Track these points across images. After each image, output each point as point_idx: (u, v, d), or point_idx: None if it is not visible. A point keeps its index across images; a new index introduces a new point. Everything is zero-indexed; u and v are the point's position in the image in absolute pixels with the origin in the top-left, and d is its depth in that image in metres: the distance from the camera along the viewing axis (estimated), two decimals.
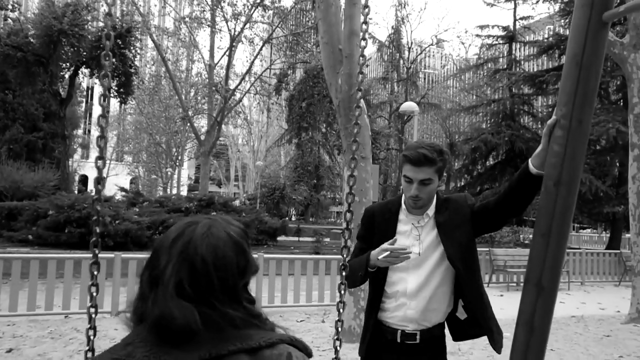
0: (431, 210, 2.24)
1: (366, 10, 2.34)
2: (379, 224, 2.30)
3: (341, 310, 2.02)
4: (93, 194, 1.58)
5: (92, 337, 1.58)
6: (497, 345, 2.22)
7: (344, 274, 2.06)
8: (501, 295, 10.82)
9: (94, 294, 1.64)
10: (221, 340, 0.98)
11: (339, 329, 2.01)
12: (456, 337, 2.31)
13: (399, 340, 2.19)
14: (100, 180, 1.56)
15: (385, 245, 2.05)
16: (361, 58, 2.20)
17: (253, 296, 1.11)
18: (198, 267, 1.01)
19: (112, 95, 22.61)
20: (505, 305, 9.20)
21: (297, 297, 8.69)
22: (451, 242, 2.16)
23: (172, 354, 0.96)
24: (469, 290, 2.19)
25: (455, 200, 2.27)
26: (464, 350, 6.07)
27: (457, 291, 2.24)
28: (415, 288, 2.18)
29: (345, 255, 2.07)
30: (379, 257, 2.03)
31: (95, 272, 1.63)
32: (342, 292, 2.06)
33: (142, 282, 1.06)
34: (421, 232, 2.22)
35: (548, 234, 1.72)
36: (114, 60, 20.13)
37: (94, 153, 51.31)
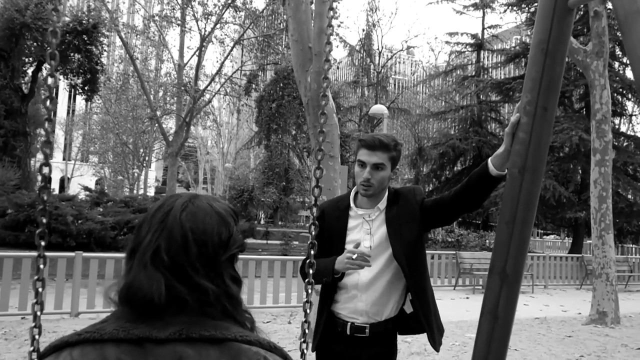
0: (382, 204, 2.24)
1: (331, 13, 2.30)
2: (329, 221, 2.29)
3: (308, 311, 1.95)
4: (42, 184, 1.46)
5: (36, 337, 1.46)
6: (436, 343, 2.23)
7: (310, 271, 2.01)
8: (467, 298, 10.94)
9: (40, 289, 1.52)
10: (195, 324, 0.94)
11: (306, 330, 1.93)
12: (400, 331, 2.29)
13: (348, 332, 2.18)
14: (47, 164, 1.44)
15: (351, 249, 2.05)
16: (326, 63, 2.16)
17: (240, 276, 1.05)
18: (176, 234, 0.98)
19: (78, 92, 22.09)
20: (470, 308, 9.30)
21: (264, 299, 8.59)
22: (397, 239, 2.16)
23: (141, 329, 0.93)
24: (413, 286, 2.19)
25: (405, 195, 2.27)
26: (430, 350, 6.08)
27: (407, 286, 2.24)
28: (366, 281, 2.17)
29: (313, 252, 2.02)
30: (346, 260, 2.03)
31: (41, 266, 1.51)
32: (310, 291, 2.01)
33: (125, 257, 1.04)
34: (372, 226, 2.22)
35: (512, 222, 1.71)
36: (78, 56, 19.80)
37: (57, 153, 50.10)
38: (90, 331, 0.95)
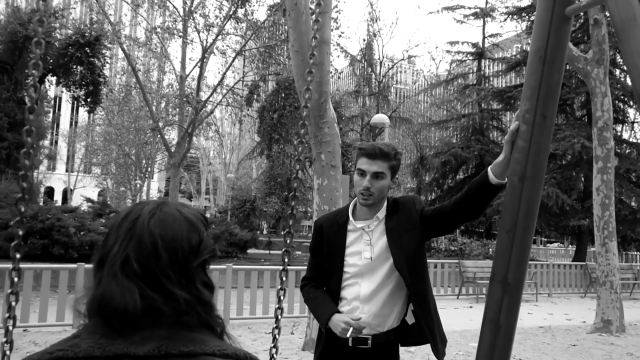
0: (381, 214, 2.24)
1: (316, 26, 2.34)
2: (327, 237, 2.28)
3: (279, 317, 1.96)
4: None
5: (7, 352, 1.42)
6: (439, 353, 2.21)
7: (283, 278, 2.04)
8: (470, 307, 10.88)
9: (13, 303, 1.48)
10: (172, 339, 0.91)
11: (277, 336, 1.96)
12: (402, 342, 2.28)
13: (350, 344, 2.17)
14: (25, 177, 1.42)
15: (349, 321, 2.06)
16: (309, 75, 2.17)
17: (212, 281, 1.03)
18: (145, 241, 0.96)
19: (80, 104, 22.18)
20: (474, 317, 9.25)
21: (267, 309, 8.56)
22: (398, 249, 2.15)
23: (118, 345, 0.89)
24: (415, 296, 2.18)
25: (404, 204, 2.26)
26: None
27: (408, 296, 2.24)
28: (368, 293, 2.17)
29: (289, 249, 2.03)
30: (340, 329, 2.06)
31: (16, 279, 1.48)
32: (281, 297, 2.04)
33: (93, 268, 1.01)
34: (372, 237, 2.21)
35: (513, 230, 1.70)
36: (81, 68, 19.90)
37: (60, 164, 50.24)
38: (63, 349, 0.91)
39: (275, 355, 1.82)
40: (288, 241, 1.94)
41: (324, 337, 2.24)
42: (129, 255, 0.95)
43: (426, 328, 2.17)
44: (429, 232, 2.21)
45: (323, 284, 2.33)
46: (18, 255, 1.40)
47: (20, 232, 1.39)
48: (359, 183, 2.16)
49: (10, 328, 1.43)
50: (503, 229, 1.76)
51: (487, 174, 1.94)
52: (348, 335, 2.02)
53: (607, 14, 11.18)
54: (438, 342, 2.20)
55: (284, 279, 1.96)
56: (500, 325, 1.72)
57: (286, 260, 1.89)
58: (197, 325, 0.95)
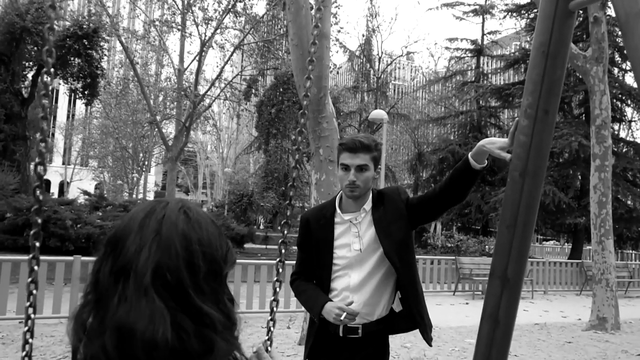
0: (368, 205, 2.27)
1: (317, 15, 2.34)
2: (315, 231, 2.31)
3: (274, 309, 1.93)
4: (36, 193, 1.40)
5: (30, 340, 1.37)
6: (428, 337, 2.28)
7: (280, 270, 2.01)
8: (466, 303, 10.90)
9: (34, 291, 1.43)
10: None
11: (271, 328, 1.91)
12: (391, 330, 2.30)
13: (341, 334, 2.20)
14: (42, 162, 1.38)
15: (342, 306, 2.07)
16: (309, 65, 2.17)
17: (233, 296, 0.89)
18: (178, 246, 0.79)
19: (78, 96, 22.09)
20: (470, 313, 9.28)
21: (263, 304, 8.57)
22: (387, 238, 2.19)
23: None
24: (405, 284, 2.22)
25: (390, 195, 2.30)
26: (430, 355, 6.05)
27: (396, 284, 2.28)
28: (357, 282, 2.20)
29: (285, 241, 1.99)
30: (334, 316, 2.06)
31: (36, 267, 1.43)
32: (277, 289, 1.99)
33: (97, 282, 0.82)
34: (360, 228, 2.24)
35: (513, 225, 1.70)
36: (79, 60, 19.80)
37: (57, 157, 50.05)
38: None
39: (269, 348, 1.80)
40: (285, 232, 1.92)
41: (315, 329, 2.27)
42: (160, 263, 0.78)
43: (417, 314, 2.22)
44: (416, 220, 2.26)
45: (312, 277, 2.35)
46: (37, 244, 1.35)
47: (39, 220, 1.35)
48: (344, 177, 2.20)
49: (32, 316, 1.38)
50: (503, 224, 1.75)
51: (469, 161, 2.04)
52: (342, 318, 2.03)
53: (607, 12, 11.19)
54: (427, 327, 2.27)
55: (280, 270, 1.95)
56: (499, 321, 1.72)
57: (283, 251, 1.88)
58: (220, 333, 0.81)
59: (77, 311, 0.83)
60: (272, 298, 1.89)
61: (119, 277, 0.78)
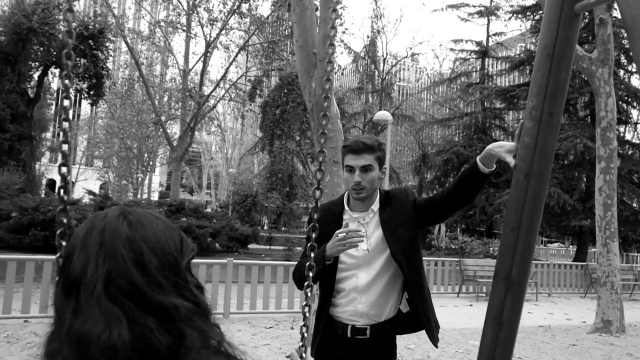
0: (375, 206, 2.27)
1: (334, 15, 2.32)
2: (323, 227, 2.25)
3: (307, 315, 1.84)
4: (61, 193, 1.39)
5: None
6: (434, 338, 2.27)
7: (310, 274, 1.93)
8: (470, 305, 10.88)
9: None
10: None
11: (305, 334, 1.85)
12: (398, 331, 2.30)
13: (349, 335, 2.19)
14: (65, 164, 1.38)
15: (340, 230, 2.07)
16: (328, 64, 2.18)
17: (200, 282, 0.89)
18: (124, 250, 0.80)
19: (83, 97, 22.18)
20: (474, 315, 9.26)
21: (267, 304, 8.57)
22: (394, 240, 2.18)
23: None
24: (412, 285, 2.21)
25: (397, 195, 2.29)
26: (433, 357, 6.04)
27: (403, 285, 2.28)
28: (365, 283, 2.19)
29: (312, 255, 1.95)
30: (337, 242, 2.03)
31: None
32: (309, 294, 1.89)
33: (55, 307, 0.82)
34: (367, 228, 2.24)
35: (518, 227, 1.69)
36: (84, 61, 19.92)
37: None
38: None
39: (304, 354, 1.76)
40: (313, 236, 1.91)
41: (322, 329, 2.26)
42: (110, 271, 0.78)
43: (423, 315, 2.21)
44: (423, 222, 2.26)
45: None
46: (64, 243, 1.34)
47: (65, 220, 1.35)
48: (350, 179, 2.20)
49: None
50: (508, 226, 1.75)
51: (477, 164, 2.02)
52: (343, 234, 1.99)
53: (613, 14, 11.14)
54: (433, 328, 2.26)
55: (310, 274, 1.91)
56: (503, 323, 1.72)
57: (312, 255, 1.87)
58: (198, 345, 0.80)
59: (47, 341, 0.83)
60: (305, 303, 1.84)
61: (70, 293, 0.80)
